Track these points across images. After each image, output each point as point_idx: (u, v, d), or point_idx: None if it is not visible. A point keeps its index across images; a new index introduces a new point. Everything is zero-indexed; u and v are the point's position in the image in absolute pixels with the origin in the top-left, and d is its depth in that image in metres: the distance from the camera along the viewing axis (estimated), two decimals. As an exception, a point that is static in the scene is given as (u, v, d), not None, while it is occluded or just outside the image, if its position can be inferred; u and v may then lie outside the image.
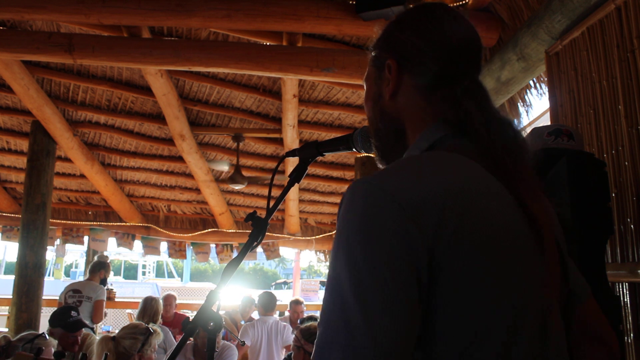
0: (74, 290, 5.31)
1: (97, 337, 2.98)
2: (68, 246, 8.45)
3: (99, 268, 5.62)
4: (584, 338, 0.88)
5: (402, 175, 0.70)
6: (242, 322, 5.57)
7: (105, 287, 5.71)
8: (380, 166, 0.92)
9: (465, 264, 0.65)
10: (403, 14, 0.88)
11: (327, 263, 8.87)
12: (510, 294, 0.68)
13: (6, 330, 5.73)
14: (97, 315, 5.24)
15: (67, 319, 3.42)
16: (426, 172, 0.70)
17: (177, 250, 8.22)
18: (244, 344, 4.50)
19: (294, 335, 2.97)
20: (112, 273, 7.02)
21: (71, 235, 7.63)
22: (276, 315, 5.60)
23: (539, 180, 0.78)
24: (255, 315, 5.75)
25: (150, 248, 8.01)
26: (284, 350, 4.85)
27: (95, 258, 6.00)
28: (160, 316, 4.81)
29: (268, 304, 5.04)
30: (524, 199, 0.73)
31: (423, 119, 0.82)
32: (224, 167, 6.21)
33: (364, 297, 0.62)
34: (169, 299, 5.54)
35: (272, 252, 8.34)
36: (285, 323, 5.14)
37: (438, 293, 0.65)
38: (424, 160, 0.74)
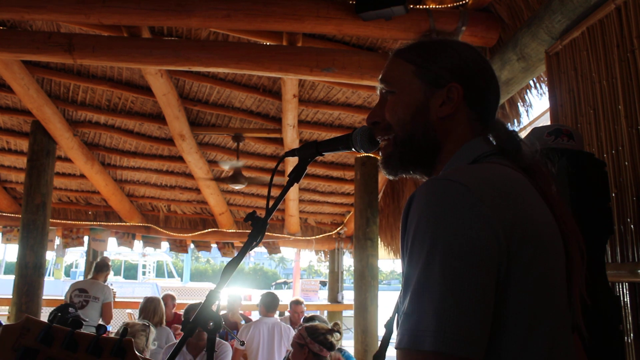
0: (80, 290, 5.33)
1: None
2: (68, 246, 8.46)
3: (105, 268, 5.65)
4: None
5: (477, 175, 0.76)
6: (242, 322, 5.57)
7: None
8: (385, 171, 0.96)
9: (531, 260, 0.71)
10: (459, 45, 0.94)
11: (327, 263, 8.88)
12: (556, 291, 0.76)
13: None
14: (107, 316, 5.39)
15: (65, 315, 3.43)
16: (499, 181, 0.77)
17: (177, 246, 8.24)
18: (244, 344, 4.49)
19: (295, 333, 2.96)
20: (112, 273, 7.05)
21: (71, 237, 7.63)
22: (276, 316, 5.59)
23: (564, 200, 0.90)
24: (255, 314, 5.74)
25: (151, 243, 8.03)
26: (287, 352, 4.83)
27: (99, 258, 6.02)
28: (164, 318, 4.81)
29: (270, 304, 4.99)
30: (558, 213, 0.82)
31: (465, 138, 0.90)
32: (238, 164, 6.20)
33: (453, 286, 0.65)
34: (166, 300, 5.54)
35: (272, 248, 8.37)
36: (287, 325, 5.14)
37: (511, 282, 0.70)
38: (486, 168, 0.82)
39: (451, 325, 0.63)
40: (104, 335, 0.79)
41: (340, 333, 2.92)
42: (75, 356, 0.75)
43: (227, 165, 6.29)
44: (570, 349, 0.77)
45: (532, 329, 0.70)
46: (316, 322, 2.99)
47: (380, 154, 0.98)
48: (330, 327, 2.91)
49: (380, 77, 0.97)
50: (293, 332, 4.89)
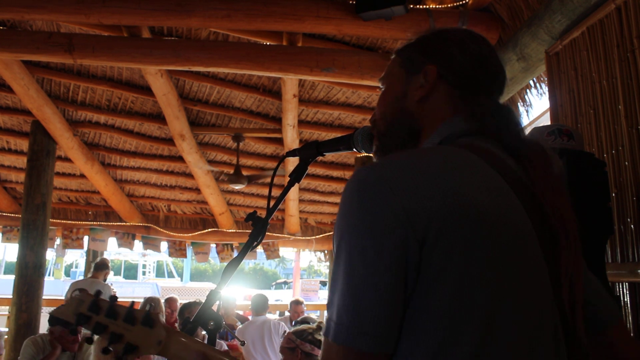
0: (80, 290, 5.33)
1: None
2: (68, 246, 8.46)
3: (104, 267, 5.67)
4: None
5: (398, 163, 0.73)
6: (239, 324, 5.58)
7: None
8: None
9: (450, 258, 0.66)
10: (443, 29, 0.93)
11: (327, 263, 8.88)
12: (502, 294, 0.67)
13: (6, 330, 5.74)
14: None
15: None
16: (427, 165, 0.72)
17: (177, 250, 8.23)
18: (244, 344, 4.50)
19: (282, 340, 2.97)
20: (112, 273, 7.06)
21: (71, 238, 7.62)
22: (270, 315, 5.60)
23: (564, 190, 0.79)
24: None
25: (151, 245, 8.02)
26: None
27: (98, 258, 6.02)
28: (164, 318, 4.80)
29: (258, 306, 5.14)
30: (543, 202, 0.75)
31: (445, 118, 0.86)
32: (210, 168, 6.24)
33: (353, 282, 0.67)
34: (170, 302, 5.47)
35: (272, 252, 8.34)
36: (280, 322, 5.16)
37: (423, 283, 0.66)
38: (428, 154, 0.77)
39: (350, 318, 0.65)
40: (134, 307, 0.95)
41: None
42: (116, 323, 0.91)
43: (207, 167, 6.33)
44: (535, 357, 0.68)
45: (450, 337, 0.64)
46: (302, 325, 2.99)
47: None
48: (315, 326, 2.92)
49: (379, 78, 0.99)
50: (284, 327, 4.91)
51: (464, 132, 0.83)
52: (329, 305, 0.70)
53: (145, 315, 0.91)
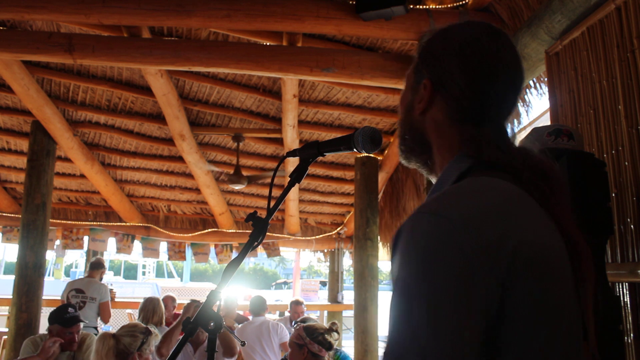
0: (76, 290, 5.33)
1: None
2: (68, 247, 8.46)
3: (100, 267, 5.67)
4: None
5: (463, 203, 0.70)
6: (237, 325, 5.58)
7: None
8: (404, 162, 0.94)
9: (528, 291, 0.66)
10: (450, 33, 0.86)
11: (327, 263, 8.88)
12: (562, 320, 0.69)
13: (6, 330, 5.74)
14: (105, 316, 5.39)
15: (64, 315, 3.43)
16: (482, 199, 0.71)
17: (176, 252, 8.22)
18: (244, 344, 4.50)
19: (291, 333, 2.96)
20: (112, 273, 7.06)
21: (71, 239, 7.62)
22: (270, 315, 5.61)
23: (571, 207, 0.79)
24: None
25: (150, 250, 8.01)
26: (283, 349, 4.85)
27: (93, 258, 6.03)
28: (164, 319, 4.81)
29: (255, 307, 5.17)
30: (564, 227, 0.75)
31: (450, 144, 0.84)
32: (212, 168, 6.23)
33: (438, 331, 0.62)
34: (166, 301, 5.54)
35: (272, 251, 8.35)
36: (278, 322, 5.17)
37: (505, 317, 0.65)
38: (476, 188, 0.74)
39: None
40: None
41: (338, 333, 2.92)
42: None
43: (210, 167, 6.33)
44: None
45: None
46: (315, 323, 2.98)
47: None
48: (328, 327, 2.91)
49: None
50: (282, 327, 4.92)
51: (475, 166, 0.79)
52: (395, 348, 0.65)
53: None
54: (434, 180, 0.87)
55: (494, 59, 0.81)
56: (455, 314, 0.62)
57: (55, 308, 3.58)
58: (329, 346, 2.80)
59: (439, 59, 0.85)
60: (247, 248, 1.08)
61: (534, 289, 0.66)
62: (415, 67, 0.90)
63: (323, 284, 14.74)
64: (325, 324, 3.87)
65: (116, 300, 7.50)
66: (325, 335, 2.80)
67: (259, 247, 7.50)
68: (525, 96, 4.02)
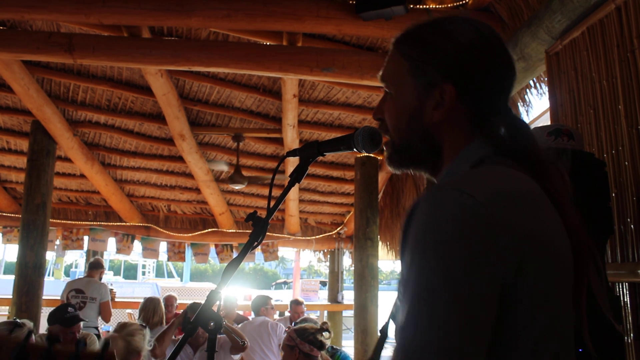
0: (76, 290, 5.32)
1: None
2: (68, 247, 8.47)
3: (100, 266, 5.67)
4: None
5: (485, 185, 0.70)
6: (236, 325, 5.58)
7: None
8: (392, 168, 0.91)
9: (539, 276, 0.67)
10: (458, 35, 0.84)
11: (327, 263, 8.87)
12: (563, 308, 0.71)
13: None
14: (106, 315, 5.39)
15: (64, 315, 3.43)
16: (502, 184, 0.72)
17: (175, 253, 8.22)
18: (244, 344, 4.50)
19: (285, 336, 2.96)
20: (112, 273, 7.07)
21: (71, 239, 7.62)
22: (271, 316, 5.60)
23: (575, 205, 0.80)
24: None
25: (150, 251, 8.01)
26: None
27: (92, 258, 6.03)
28: (164, 319, 4.81)
29: (257, 306, 5.19)
30: (569, 222, 0.76)
31: (466, 139, 0.83)
32: (223, 167, 6.21)
33: (455, 307, 0.62)
34: (170, 300, 5.56)
35: (270, 254, 8.34)
36: (278, 322, 5.16)
37: (516, 300, 0.66)
38: (495, 175, 0.75)
39: (450, 347, 0.61)
40: (84, 349, 0.79)
41: (329, 332, 2.92)
42: None
43: (216, 166, 6.30)
44: None
45: (536, 351, 0.67)
46: (305, 324, 2.98)
47: (385, 149, 0.95)
48: (319, 327, 2.91)
49: (380, 74, 0.92)
50: (282, 327, 4.92)
51: (491, 154, 0.80)
52: (407, 333, 0.64)
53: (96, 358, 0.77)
54: (437, 179, 0.87)
55: (498, 48, 0.84)
56: (478, 298, 0.63)
57: (54, 308, 3.58)
58: (320, 345, 2.81)
59: (457, 62, 0.82)
60: (247, 248, 1.08)
61: (543, 277, 0.67)
62: (415, 71, 0.84)
63: (323, 284, 14.74)
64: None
65: (116, 300, 7.50)
66: (317, 335, 2.81)
67: (257, 249, 7.50)
68: (525, 96, 4.02)
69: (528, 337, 0.67)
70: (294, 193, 7.25)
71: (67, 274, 19.89)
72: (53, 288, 9.56)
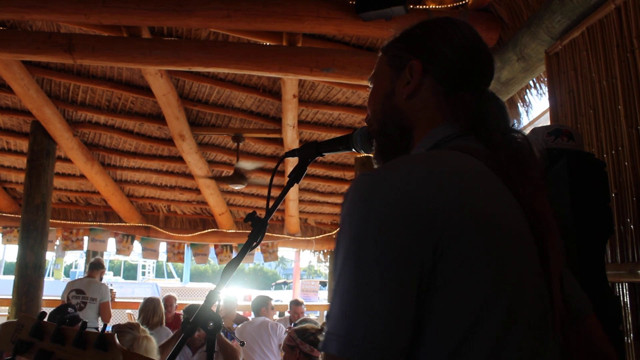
0: (77, 291, 5.32)
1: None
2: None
3: (100, 267, 5.68)
4: (585, 354, 0.87)
5: (407, 169, 0.70)
6: (236, 325, 5.58)
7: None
8: (375, 162, 0.93)
9: (463, 258, 0.65)
10: (427, 21, 0.91)
11: (327, 263, 8.88)
12: (505, 289, 0.67)
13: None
14: (106, 316, 5.40)
15: (64, 315, 3.43)
16: (429, 166, 0.71)
17: (175, 254, 8.22)
18: (243, 344, 4.50)
19: (285, 336, 2.97)
20: (112, 273, 7.08)
21: (71, 240, 7.62)
22: (271, 316, 5.60)
23: (546, 187, 0.79)
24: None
25: (149, 251, 8.01)
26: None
27: (93, 258, 6.03)
28: (164, 319, 4.81)
29: (257, 306, 5.21)
30: (529, 202, 0.74)
31: (434, 120, 0.84)
32: (250, 167, 6.16)
33: (364, 290, 0.63)
34: (169, 301, 5.56)
35: (270, 254, 8.34)
36: (278, 322, 5.17)
37: (437, 285, 0.64)
38: (428, 157, 0.75)
39: (357, 331, 0.61)
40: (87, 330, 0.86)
41: None
42: (63, 348, 0.81)
43: (249, 166, 6.25)
44: (542, 354, 0.70)
45: (465, 339, 0.64)
46: (306, 324, 2.98)
47: None
48: (320, 327, 2.91)
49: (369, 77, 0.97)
50: (282, 327, 4.92)
51: (454, 135, 0.81)
52: (327, 317, 0.66)
53: (98, 338, 0.83)
54: None
55: (472, 41, 0.87)
56: (387, 282, 0.62)
57: (55, 308, 3.58)
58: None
59: (422, 39, 0.87)
60: (246, 248, 1.08)
61: (474, 262, 0.65)
62: (390, 59, 0.91)
63: (323, 284, 14.74)
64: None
65: (116, 300, 7.50)
66: (317, 335, 2.81)
67: (257, 249, 7.49)
68: (525, 96, 4.02)
69: (449, 327, 0.64)
70: (293, 193, 7.25)
71: (67, 274, 19.91)
72: (53, 288, 9.57)
